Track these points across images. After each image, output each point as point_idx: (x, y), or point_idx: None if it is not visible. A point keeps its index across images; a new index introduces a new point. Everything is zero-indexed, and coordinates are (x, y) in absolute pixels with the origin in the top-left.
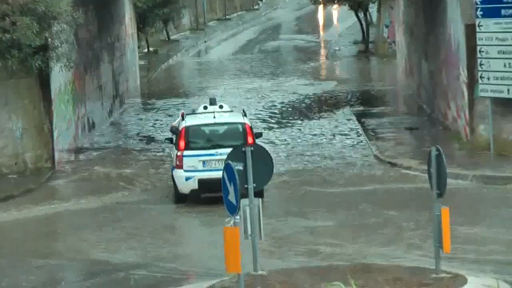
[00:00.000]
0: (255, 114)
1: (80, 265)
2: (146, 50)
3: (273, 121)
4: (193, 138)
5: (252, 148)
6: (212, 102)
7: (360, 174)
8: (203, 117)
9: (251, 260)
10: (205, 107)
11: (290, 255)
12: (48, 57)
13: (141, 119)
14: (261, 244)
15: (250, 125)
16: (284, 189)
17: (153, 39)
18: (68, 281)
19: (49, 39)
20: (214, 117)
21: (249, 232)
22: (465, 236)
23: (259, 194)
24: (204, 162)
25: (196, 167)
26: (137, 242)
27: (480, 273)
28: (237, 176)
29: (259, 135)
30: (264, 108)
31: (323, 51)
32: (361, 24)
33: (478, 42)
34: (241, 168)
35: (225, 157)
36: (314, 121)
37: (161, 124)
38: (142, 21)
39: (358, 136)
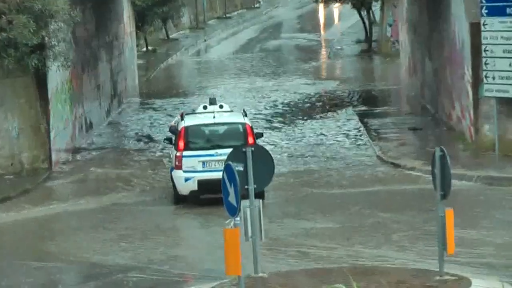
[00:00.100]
0: (256, 114)
1: (77, 267)
2: (144, 49)
3: (274, 121)
4: (193, 139)
5: (253, 149)
6: (212, 101)
7: (362, 175)
8: (203, 117)
9: (251, 262)
10: (205, 107)
11: (291, 257)
12: (45, 56)
13: (139, 119)
14: (261, 246)
15: (250, 125)
16: (285, 190)
17: (152, 37)
18: (66, 283)
19: (46, 38)
20: (214, 117)
21: (249, 233)
22: (469, 238)
23: (259, 195)
24: (203, 162)
25: (196, 168)
26: (135, 244)
27: (485, 275)
28: (237, 177)
29: (259, 135)
30: (265, 108)
31: (325, 50)
32: (363, 23)
33: (483, 41)
34: (241, 168)
35: (225, 157)
36: (316, 121)
37: (160, 124)
38: (141, 20)
39: (361, 136)
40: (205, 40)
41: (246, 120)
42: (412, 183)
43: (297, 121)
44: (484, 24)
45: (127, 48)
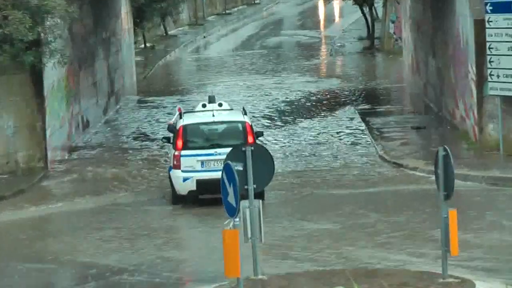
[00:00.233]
0: (256, 112)
1: (72, 268)
2: (143, 45)
3: (274, 119)
4: (191, 137)
5: (253, 148)
6: (211, 99)
7: (364, 175)
8: (202, 116)
9: (251, 264)
10: (204, 105)
11: (291, 258)
12: (41, 52)
13: (137, 117)
14: (261, 248)
15: (250, 124)
16: (285, 190)
17: (150, 34)
18: (61, 285)
19: (42, 34)
20: (213, 116)
21: (249, 235)
22: (473, 240)
23: (259, 195)
24: (202, 162)
25: (194, 167)
26: (132, 245)
27: (488, 278)
28: (236, 177)
29: (259, 134)
30: (265, 106)
31: (326, 47)
32: (366, 19)
33: (488, 39)
34: (241, 168)
35: (224, 157)
36: (317, 119)
37: (158, 122)
38: (139, 16)
39: (363, 135)
40: (204, 37)
41: (246, 119)
42: (415, 183)
43: (298, 119)
44: (488, 21)
45: (125, 44)
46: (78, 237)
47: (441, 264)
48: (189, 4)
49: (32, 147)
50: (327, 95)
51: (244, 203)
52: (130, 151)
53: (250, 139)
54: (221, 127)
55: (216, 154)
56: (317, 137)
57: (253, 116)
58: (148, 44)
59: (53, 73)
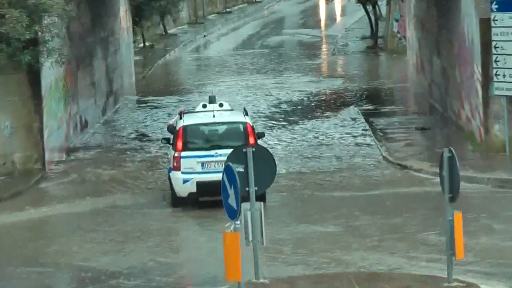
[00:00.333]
0: (257, 113)
1: (70, 272)
2: (142, 44)
3: (276, 120)
4: (191, 138)
5: (254, 149)
6: (212, 100)
7: (367, 176)
8: (202, 116)
9: (252, 267)
10: (204, 106)
11: (293, 262)
12: (38, 52)
13: (136, 117)
14: (263, 251)
15: (251, 125)
16: (287, 192)
17: (149, 33)
18: None
19: (40, 33)
20: (214, 116)
21: (250, 238)
22: (479, 244)
23: (261, 197)
24: (202, 163)
25: (195, 169)
26: (130, 248)
27: (494, 282)
28: (237, 179)
29: (261, 135)
30: (266, 106)
31: (329, 47)
32: (369, 18)
33: (493, 38)
34: (242, 170)
35: (225, 158)
36: (320, 120)
37: (157, 123)
38: (138, 14)
39: (366, 136)
40: (204, 36)
41: (247, 119)
42: (419, 185)
43: (300, 120)
44: (494, 20)
45: (123, 44)
46: (76, 240)
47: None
48: (189, 3)
49: (29, 148)
50: (329, 95)
51: (245, 206)
52: (129, 152)
53: (251, 140)
54: (222, 128)
55: (216, 156)
56: (320, 138)
57: (255, 116)
58: (147, 43)
59: (50, 73)
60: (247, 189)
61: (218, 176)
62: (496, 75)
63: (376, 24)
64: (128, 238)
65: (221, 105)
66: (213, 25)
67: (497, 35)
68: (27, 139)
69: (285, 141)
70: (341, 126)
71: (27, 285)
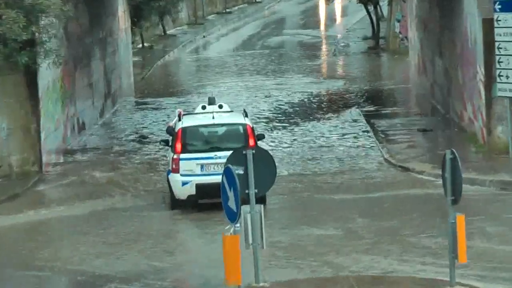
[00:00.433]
0: (257, 114)
1: (68, 276)
2: (140, 45)
3: (276, 121)
4: (191, 140)
5: (254, 151)
6: (211, 101)
7: (369, 179)
8: (201, 118)
9: (252, 271)
10: (204, 107)
11: (294, 265)
12: (35, 52)
13: (134, 119)
14: (263, 254)
15: (251, 126)
16: (287, 195)
17: (148, 33)
18: None
19: (37, 34)
20: (213, 118)
21: (250, 241)
22: (481, 247)
23: (261, 200)
24: (202, 165)
25: (194, 171)
26: (129, 251)
27: (497, 285)
28: (237, 181)
29: (261, 136)
30: (266, 108)
31: (330, 47)
32: (370, 18)
33: (496, 38)
34: (241, 172)
35: (224, 160)
36: (321, 122)
37: (156, 125)
38: (137, 15)
39: (368, 138)
40: (204, 36)
41: (247, 121)
42: (421, 187)
43: (301, 121)
44: (497, 20)
45: (122, 44)
46: (74, 243)
47: (452, 273)
48: (188, 3)
49: (26, 150)
50: (330, 96)
51: (245, 208)
52: (128, 154)
53: (251, 142)
54: (221, 130)
55: (216, 158)
56: (321, 139)
57: (255, 118)
58: (146, 44)
59: (48, 74)
60: (247, 191)
61: (217, 178)
62: (499, 76)
63: (378, 24)
64: (126, 241)
65: (220, 106)
66: (213, 26)
67: (500, 35)
68: (24, 141)
69: (285, 143)
70: (342, 128)
71: None
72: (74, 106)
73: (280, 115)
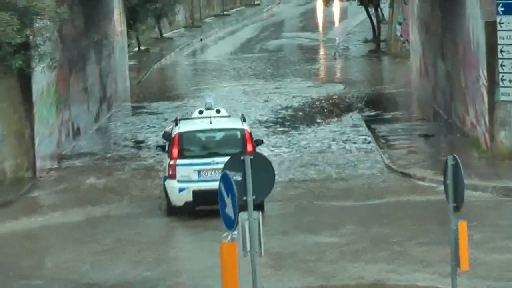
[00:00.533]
0: (256, 119)
1: (61, 285)
2: (136, 48)
3: (275, 127)
4: (188, 146)
5: (252, 157)
6: (208, 106)
7: (369, 185)
8: (199, 123)
9: (250, 279)
10: (201, 112)
11: (293, 273)
12: (29, 56)
13: (130, 124)
14: (261, 262)
15: (249, 131)
16: (286, 201)
17: (144, 36)
18: None
19: (31, 37)
20: (211, 123)
21: (248, 248)
22: (484, 254)
23: (259, 207)
24: (199, 171)
25: (191, 177)
26: (124, 259)
27: None
28: (235, 187)
29: (259, 142)
30: (265, 112)
31: (330, 51)
32: (371, 21)
33: (499, 41)
34: (239, 178)
35: (222, 166)
36: (320, 127)
37: (153, 130)
38: (133, 17)
39: (368, 143)
40: (201, 39)
41: (245, 126)
42: (422, 194)
43: (300, 126)
44: (500, 23)
45: (117, 47)
46: (68, 251)
47: (454, 281)
48: (185, 5)
49: (20, 156)
50: (330, 100)
51: (243, 215)
52: (123, 160)
53: (249, 147)
54: (219, 135)
55: (213, 163)
56: (320, 145)
57: (254, 123)
58: (142, 47)
59: (42, 78)
60: (244, 198)
61: (215, 185)
62: (502, 80)
63: (379, 27)
64: (121, 249)
65: (218, 111)
66: (211, 28)
67: (503, 38)
68: (17, 146)
69: (284, 148)
70: (342, 133)
71: None
72: (68, 111)
73: (279, 120)
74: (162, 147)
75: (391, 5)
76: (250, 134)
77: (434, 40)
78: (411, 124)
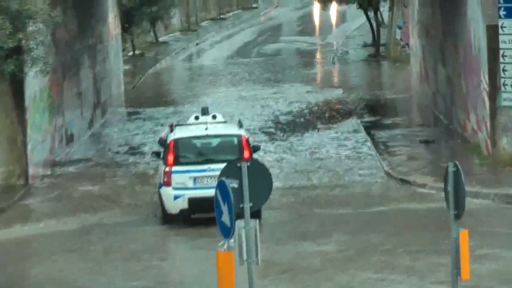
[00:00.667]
0: (253, 125)
1: None
2: (131, 53)
3: (273, 132)
4: (183, 152)
5: (249, 163)
6: (204, 111)
7: (368, 192)
8: (194, 129)
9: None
10: (197, 117)
11: (290, 282)
12: (22, 60)
13: (125, 130)
14: (258, 271)
15: (246, 138)
16: (284, 209)
17: (139, 40)
18: None
19: (24, 41)
20: (206, 129)
21: (244, 257)
22: (485, 263)
23: (256, 214)
24: (195, 179)
25: (186, 185)
26: (118, 268)
27: None
28: (231, 195)
29: (256, 148)
30: (263, 118)
31: (328, 55)
32: (371, 25)
33: (501, 46)
34: (236, 185)
35: (218, 173)
36: (319, 132)
37: (147, 136)
38: (128, 21)
39: (367, 149)
40: (197, 44)
41: (242, 132)
42: (423, 201)
43: (298, 132)
44: (502, 27)
45: (112, 52)
46: (61, 261)
47: None
48: (181, 9)
49: (12, 163)
50: (329, 106)
51: (239, 223)
52: (118, 167)
53: (246, 154)
54: (215, 141)
55: (209, 170)
56: (319, 151)
57: (251, 128)
58: (137, 52)
59: (35, 83)
60: (241, 205)
61: (211, 192)
62: (504, 85)
63: (378, 31)
64: (114, 257)
65: (214, 117)
66: (207, 32)
67: (505, 42)
68: (9, 152)
69: (282, 155)
70: (341, 139)
71: None
72: (62, 117)
73: (276, 126)
74: (157, 154)
75: (391, 9)
76: (247, 140)
77: (434, 44)
78: (411, 130)
